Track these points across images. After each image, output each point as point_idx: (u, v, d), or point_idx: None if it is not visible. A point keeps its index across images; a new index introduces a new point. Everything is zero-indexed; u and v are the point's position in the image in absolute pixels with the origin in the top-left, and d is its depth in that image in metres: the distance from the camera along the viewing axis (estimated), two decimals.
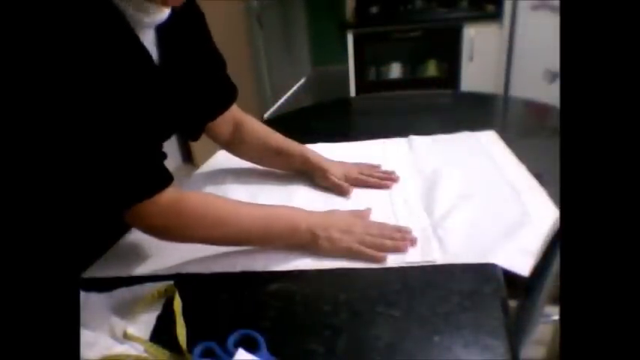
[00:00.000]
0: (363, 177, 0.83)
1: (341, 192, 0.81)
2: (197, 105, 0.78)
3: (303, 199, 0.80)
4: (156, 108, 0.64)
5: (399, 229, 0.65)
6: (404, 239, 0.63)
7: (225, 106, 0.84)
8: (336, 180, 0.81)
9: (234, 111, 0.87)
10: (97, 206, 0.61)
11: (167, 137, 0.74)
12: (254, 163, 0.92)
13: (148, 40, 0.62)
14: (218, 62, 0.81)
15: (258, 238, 0.65)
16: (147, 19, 0.58)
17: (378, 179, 0.83)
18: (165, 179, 0.60)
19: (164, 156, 0.64)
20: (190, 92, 0.74)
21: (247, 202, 0.69)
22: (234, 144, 0.90)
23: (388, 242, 0.62)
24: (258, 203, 0.71)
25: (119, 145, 0.55)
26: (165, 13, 0.60)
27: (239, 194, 0.83)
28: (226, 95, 0.85)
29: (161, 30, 0.63)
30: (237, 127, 0.88)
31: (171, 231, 0.62)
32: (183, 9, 0.62)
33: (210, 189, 0.88)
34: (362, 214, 0.71)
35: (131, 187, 0.57)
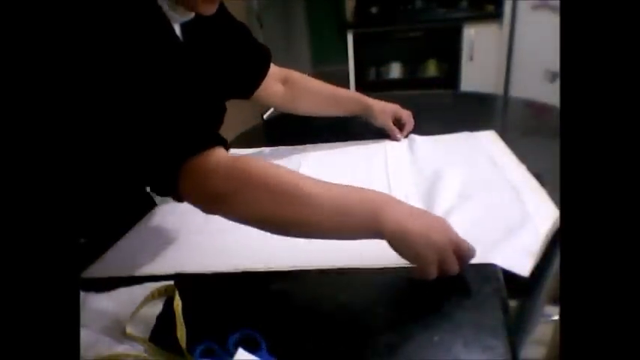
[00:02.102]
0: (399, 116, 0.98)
1: (394, 134, 0.97)
2: (239, 72, 0.84)
3: None
4: (195, 81, 0.67)
5: (469, 251, 0.53)
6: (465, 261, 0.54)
7: (264, 68, 0.90)
8: (391, 124, 0.97)
9: (277, 70, 0.93)
10: (142, 176, 0.61)
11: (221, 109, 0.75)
12: (311, 114, 0.99)
13: (177, 30, 0.66)
14: (243, 31, 0.86)
15: (333, 224, 0.52)
16: (178, 16, 0.63)
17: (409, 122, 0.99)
18: (219, 138, 0.57)
19: (219, 119, 0.67)
20: (220, 70, 0.78)
21: (319, 180, 0.55)
22: (289, 100, 0.95)
23: (456, 267, 0.52)
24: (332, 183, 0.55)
25: (166, 102, 0.55)
26: (192, 14, 0.65)
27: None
28: (263, 57, 0.91)
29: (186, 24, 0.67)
30: (288, 83, 0.94)
31: (230, 199, 0.52)
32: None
33: None
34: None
35: (182, 141, 0.53)
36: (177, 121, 0.55)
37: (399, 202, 0.54)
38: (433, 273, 0.51)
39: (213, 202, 0.54)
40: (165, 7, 0.60)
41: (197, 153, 0.53)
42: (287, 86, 0.95)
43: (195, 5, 0.61)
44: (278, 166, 0.55)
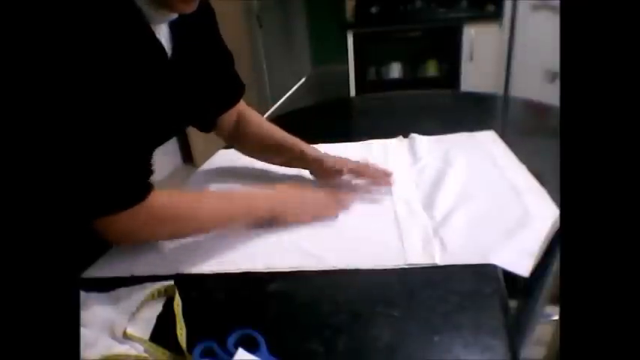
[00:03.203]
0: (361, 166, 0.82)
1: (335, 179, 0.83)
2: (207, 98, 0.79)
3: None
4: (166, 100, 0.66)
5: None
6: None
7: (232, 103, 0.86)
8: (331, 167, 0.82)
9: (239, 105, 0.88)
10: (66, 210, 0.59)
11: (178, 131, 0.77)
12: (254, 158, 0.92)
13: (163, 33, 0.64)
14: (227, 58, 0.82)
15: (222, 224, 0.69)
16: (160, 16, 0.61)
17: (373, 175, 0.82)
18: (145, 190, 0.59)
19: (147, 169, 0.62)
20: (201, 86, 0.75)
21: (209, 192, 0.73)
22: (236, 137, 0.90)
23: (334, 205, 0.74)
24: (217, 191, 0.80)
25: (105, 151, 0.54)
26: (174, 14, 0.62)
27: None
28: (234, 91, 0.86)
29: (175, 24, 0.65)
30: (240, 121, 0.88)
31: (137, 238, 0.64)
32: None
33: (211, 189, 0.88)
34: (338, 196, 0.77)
35: (108, 196, 0.55)
36: (103, 171, 0.54)
37: (284, 202, 0.72)
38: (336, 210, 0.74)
39: (124, 243, 0.67)
40: (147, 9, 0.58)
41: (124, 209, 0.56)
42: (239, 124, 0.88)
43: (172, 4, 0.58)
44: (177, 193, 0.65)
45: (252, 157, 0.93)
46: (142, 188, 0.58)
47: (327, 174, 0.83)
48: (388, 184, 0.81)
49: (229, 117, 0.87)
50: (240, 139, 0.90)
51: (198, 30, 0.71)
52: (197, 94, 0.75)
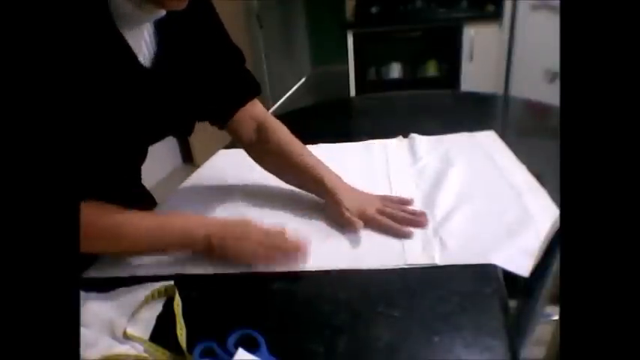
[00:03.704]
0: (380, 217, 0.68)
1: (351, 228, 0.67)
2: (213, 96, 0.74)
3: (304, 205, 0.79)
4: (135, 108, 0.62)
5: (286, 240, 0.62)
6: (294, 249, 0.61)
7: (244, 98, 0.78)
8: (348, 215, 0.68)
9: (258, 111, 0.80)
10: None
11: (158, 137, 0.71)
12: (273, 174, 0.82)
13: (141, 36, 0.60)
14: (236, 57, 0.77)
15: (152, 248, 0.64)
16: (147, 14, 0.57)
17: (404, 218, 0.68)
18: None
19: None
20: (194, 88, 0.71)
21: (141, 213, 0.66)
22: (256, 148, 0.81)
23: (278, 255, 0.61)
24: (152, 213, 0.76)
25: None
26: (162, 11, 0.59)
27: (238, 195, 0.83)
28: (246, 88, 0.79)
29: (162, 24, 0.61)
30: (260, 129, 0.79)
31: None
32: (190, 3, 0.58)
33: (210, 189, 0.88)
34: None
35: None
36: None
37: (206, 222, 0.65)
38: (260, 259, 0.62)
39: None
40: (130, 8, 0.55)
41: None
42: (260, 132, 0.80)
43: (163, 0, 0.55)
44: (107, 209, 0.62)
45: (272, 173, 0.83)
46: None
47: (340, 217, 0.69)
48: (420, 225, 0.67)
49: (247, 124, 0.79)
50: (260, 150, 0.81)
51: (195, 28, 0.68)
52: (185, 97, 0.70)
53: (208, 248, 0.62)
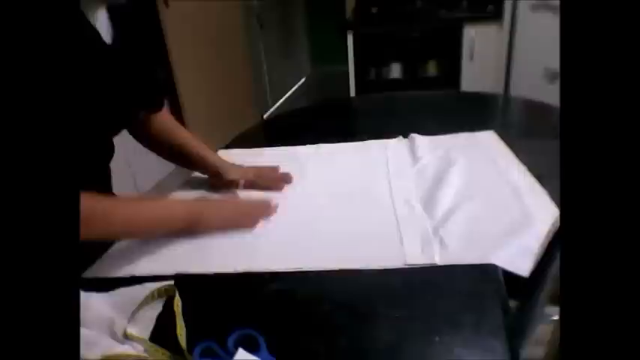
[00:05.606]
0: (260, 181, 0.85)
1: (232, 186, 0.84)
2: (135, 95, 0.76)
3: (299, 197, 0.80)
4: (101, 88, 0.63)
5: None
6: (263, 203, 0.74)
7: (154, 109, 0.82)
8: (230, 178, 0.84)
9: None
10: None
11: (124, 122, 0.73)
12: (161, 157, 0.90)
13: (100, 18, 0.62)
14: (155, 61, 0.82)
15: (138, 230, 0.66)
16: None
17: (273, 181, 0.85)
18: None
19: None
20: (131, 77, 0.73)
21: (132, 198, 0.70)
22: (142, 135, 0.86)
23: (253, 212, 0.72)
24: (140, 198, 0.81)
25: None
26: None
27: (237, 195, 0.83)
28: (157, 99, 0.83)
29: (115, 9, 0.64)
30: (146, 119, 0.84)
31: None
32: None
33: (210, 189, 0.88)
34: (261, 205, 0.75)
35: None
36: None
37: (200, 209, 0.70)
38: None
39: None
40: None
41: None
42: (145, 121, 0.84)
43: None
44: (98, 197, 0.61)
45: (160, 156, 0.90)
46: None
47: (222, 183, 0.85)
48: (280, 189, 0.84)
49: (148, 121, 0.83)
50: (145, 137, 0.86)
51: (140, 21, 0.70)
52: (130, 86, 0.72)
53: (189, 224, 0.68)
